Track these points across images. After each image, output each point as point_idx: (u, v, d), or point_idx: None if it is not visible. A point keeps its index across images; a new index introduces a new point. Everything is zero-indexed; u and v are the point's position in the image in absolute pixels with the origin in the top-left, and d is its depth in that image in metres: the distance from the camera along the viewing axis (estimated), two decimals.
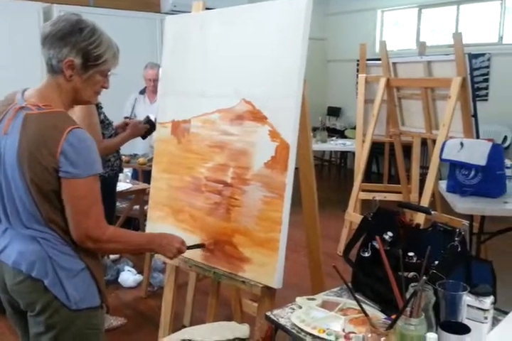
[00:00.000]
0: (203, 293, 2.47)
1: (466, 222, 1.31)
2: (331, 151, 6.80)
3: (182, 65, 1.94)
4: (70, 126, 1.23)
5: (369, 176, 6.36)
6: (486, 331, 1.19)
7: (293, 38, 1.62)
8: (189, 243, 1.58)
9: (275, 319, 1.32)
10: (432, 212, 1.42)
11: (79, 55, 1.27)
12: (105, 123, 2.41)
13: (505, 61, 5.37)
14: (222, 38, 1.82)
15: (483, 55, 5.53)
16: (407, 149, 4.34)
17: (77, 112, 1.99)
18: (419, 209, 1.49)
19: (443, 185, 2.84)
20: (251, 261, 1.59)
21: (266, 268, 1.55)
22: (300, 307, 1.37)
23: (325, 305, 1.39)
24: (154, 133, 2.22)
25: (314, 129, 6.24)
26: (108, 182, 2.49)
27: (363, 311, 1.11)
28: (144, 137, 2.45)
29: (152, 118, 2.36)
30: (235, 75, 1.76)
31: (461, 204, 2.45)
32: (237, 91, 1.74)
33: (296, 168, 1.62)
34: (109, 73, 1.37)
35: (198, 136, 1.84)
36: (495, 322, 1.28)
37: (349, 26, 6.93)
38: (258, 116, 1.67)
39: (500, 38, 5.52)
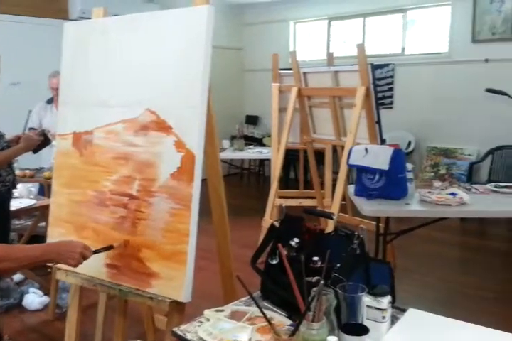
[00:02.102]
0: (115, 311, 2.37)
1: (363, 226, 1.35)
2: (249, 159, 6.89)
3: (82, 73, 1.86)
4: None
5: (287, 183, 6.51)
6: (385, 330, 1.24)
7: (196, 46, 1.61)
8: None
9: (182, 334, 1.28)
10: (334, 217, 1.47)
11: None
12: None
13: (408, 71, 5.77)
14: (124, 45, 1.77)
15: (387, 65, 5.89)
16: (321, 156, 4.49)
17: None
18: (322, 214, 1.54)
19: (352, 189, 2.97)
20: (158, 275, 1.54)
21: (174, 282, 1.51)
22: (208, 320, 1.35)
23: (234, 315, 1.38)
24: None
25: (232, 138, 6.30)
26: None
27: (266, 319, 1.12)
28: (35, 151, 2.32)
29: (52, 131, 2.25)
30: (139, 84, 1.72)
31: (367, 207, 2.57)
32: (140, 101, 1.70)
33: (204, 180, 1.61)
34: None
35: (101, 148, 1.77)
36: (394, 320, 1.34)
37: (264, 36, 7.09)
38: (163, 126, 1.64)
39: (403, 49, 5.92)
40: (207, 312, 1.39)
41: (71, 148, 1.83)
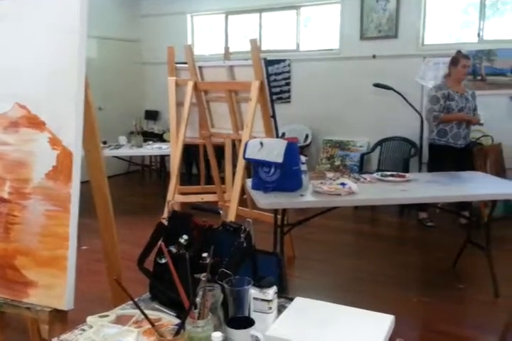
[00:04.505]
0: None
1: (250, 219, 1.36)
2: (150, 156, 6.70)
3: None
4: None
5: (190, 178, 6.45)
6: (272, 320, 1.25)
7: (71, 37, 1.50)
8: None
9: None
10: (221, 212, 1.46)
11: None
12: None
13: (303, 66, 5.96)
14: None
15: (284, 60, 6.04)
16: (222, 150, 4.49)
17: None
18: (209, 209, 1.53)
19: (250, 183, 2.99)
20: (36, 284, 1.43)
21: (54, 290, 1.40)
22: (91, 327, 1.27)
23: (119, 319, 1.32)
24: None
25: (131, 133, 6.08)
26: None
27: (149, 320, 1.07)
28: None
29: None
30: (7, 76, 1.57)
31: (263, 200, 2.60)
32: (9, 94, 1.54)
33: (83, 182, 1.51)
34: None
35: None
36: (283, 309, 1.36)
37: (162, 29, 6.91)
38: (35, 122, 1.51)
39: (298, 45, 6.11)
40: (90, 318, 1.31)
41: None
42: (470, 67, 4.32)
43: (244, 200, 3.83)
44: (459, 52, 4.21)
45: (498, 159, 4.73)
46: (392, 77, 5.17)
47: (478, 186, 2.92)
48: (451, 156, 4.18)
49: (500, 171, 4.62)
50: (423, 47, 5.26)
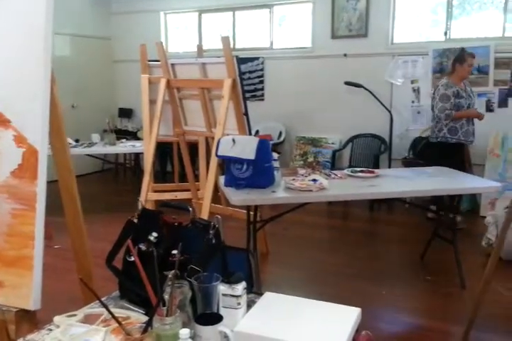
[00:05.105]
0: None
1: (219, 216, 1.37)
2: (124, 154, 6.64)
3: None
4: None
5: (164, 176, 6.41)
6: (241, 315, 1.27)
7: (36, 34, 1.48)
8: None
9: None
10: (190, 209, 1.46)
11: None
12: None
13: (276, 64, 5.99)
14: None
15: (257, 58, 6.06)
16: (196, 147, 4.48)
17: None
18: (178, 206, 1.53)
19: (222, 180, 3.00)
20: (3, 284, 1.41)
21: (20, 289, 1.39)
22: (58, 327, 1.26)
23: (88, 318, 1.31)
24: None
25: (105, 131, 6.00)
26: None
27: (115, 319, 1.08)
28: None
29: None
30: None
31: (236, 196, 2.62)
32: None
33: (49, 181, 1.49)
34: None
35: None
36: (252, 305, 1.37)
37: (135, 27, 6.84)
38: (0, 120, 1.48)
39: (271, 43, 6.13)
40: (57, 318, 1.30)
41: None
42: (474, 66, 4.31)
43: (218, 197, 3.84)
44: (463, 50, 4.19)
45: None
46: (362, 75, 5.26)
47: (445, 181, 3.00)
48: (461, 153, 4.18)
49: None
50: (392, 46, 5.35)
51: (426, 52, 5.03)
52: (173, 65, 3.83)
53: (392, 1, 5.28)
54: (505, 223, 2.08)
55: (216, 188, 3.36)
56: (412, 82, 5.20)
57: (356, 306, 1.25)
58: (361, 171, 3.15)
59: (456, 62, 4.17)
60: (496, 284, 2.64)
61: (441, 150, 4.21)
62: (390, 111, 5.12)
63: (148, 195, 3.81)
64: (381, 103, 5.08)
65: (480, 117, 4.21)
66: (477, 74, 4.85)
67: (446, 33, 5.14)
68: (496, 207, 3.98)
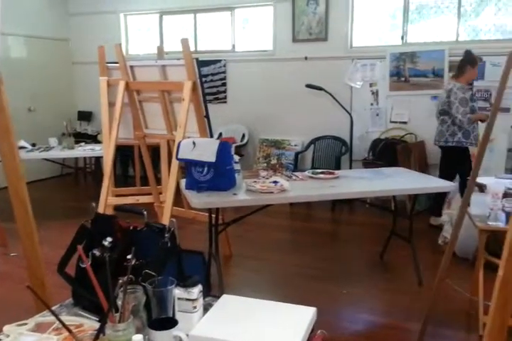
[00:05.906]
0: None
1: (174, 219, 1.36)
2: (84, 158, 6.49)
3: None
4: None
5: (126, 180, 6.31)
6: (197, 319, 1.26)
7: None
8: None
9: None
10: (145, 213, 1.44)
11: None
12: None
13: (238, 67, 6.01)
14: None
15: (220, 61, 6.06)
16: (158, 151, 4.43)
17: None
18: (132, 210, 1.51)
19: (184, 183, 2.98)
20: None
21: None
22: (8, 336, 1.22)
23: (39, 327, 1.27)
24: None
25: (62, 135, 5.85)
26: None
27: (65, 327, 1.05)
28: None
29: None
30: None
31: (197, 199, 2.60)
32: None
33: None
34: None
35: None
36: (209, 308, 1.37)
37: (94, 28, 6.72)
38: None
39: (233, 46, 6.13)
40: (6, 327, 1.26)
41: None
42: None
43: (181, 200, 3.81)
44: (471, 52, 4.11)
45: (421, 156, 5.01)
46: (323, 78, 5.34)
47: (401, 181, 3.08)
48: (469, 156, 4.15)
49: (423, 167, 4.90)
50: (351, 50, 5.46)
51: (384, 56, 5.16)
52: (132, 67, 3.78)
53: (351, 6, 5.39)
54: (458, 221, 2.16)
55: (178, 191, 3.34)
56: (371, 85, 5.32)
57: (318, 306, 1.27)
58: (322, 172, 3.19)
59: (467, 64, 4.08)
60: (451, 280, 2.72)
61: (455, 155, 4.15)
62: (350, 114, 5.22)
63: (109, 199, 3.74)
64: (341, 105, 5.17)
65: (487, 120, 4.28)
66: (432, 78, 5.02)
67: (402, 37, 5.29)
68: (451, 205, 4.11)
